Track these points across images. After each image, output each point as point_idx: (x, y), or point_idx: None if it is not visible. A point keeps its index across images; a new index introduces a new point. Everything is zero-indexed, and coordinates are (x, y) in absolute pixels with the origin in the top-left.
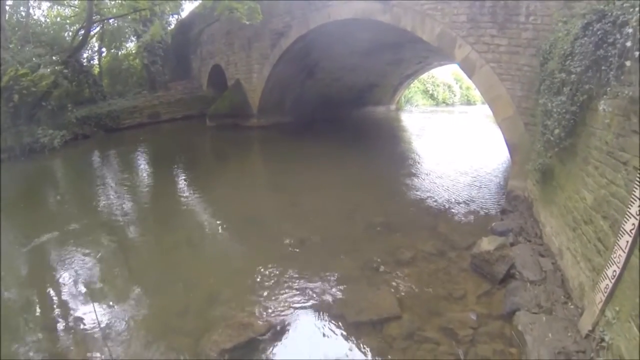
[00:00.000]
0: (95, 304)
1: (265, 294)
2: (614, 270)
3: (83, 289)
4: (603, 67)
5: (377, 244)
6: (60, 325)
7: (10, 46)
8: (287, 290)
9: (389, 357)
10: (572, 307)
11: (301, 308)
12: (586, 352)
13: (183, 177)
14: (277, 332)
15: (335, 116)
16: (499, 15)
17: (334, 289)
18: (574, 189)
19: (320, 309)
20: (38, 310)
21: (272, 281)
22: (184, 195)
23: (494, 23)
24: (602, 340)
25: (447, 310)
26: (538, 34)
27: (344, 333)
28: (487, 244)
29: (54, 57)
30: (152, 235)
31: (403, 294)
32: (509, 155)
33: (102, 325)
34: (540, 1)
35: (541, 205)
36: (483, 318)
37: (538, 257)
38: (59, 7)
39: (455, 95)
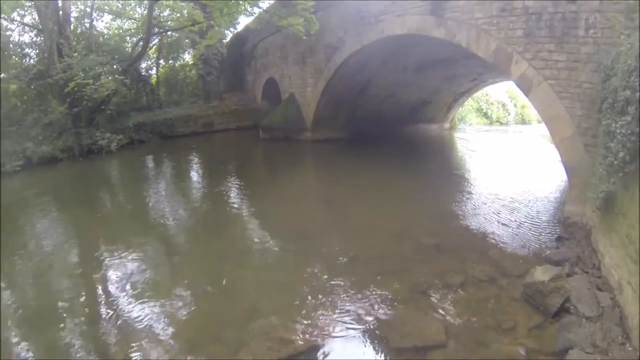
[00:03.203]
0: (139, 305)
1: (308, 310)
2: None
3: (129, 289)
4: None
5: (426, 265)
6: (105, 324)
7: (75, 54)
8: (331, 309)
9: None
10: (630, 348)
11: (344, 328)
12: None
13: (234, 187)
14: (318, 351)
15: (388, 133)
16: (556, 29)
17: (379, 311)
18: (638, 218)
19: (364, 330)
20: (85, 307)
21: (317, 298)
22: (234, 204)
23: (552, 37)
24: None
25: (495, 341)
26: (599, 48)
27: (386, 358)
28: (541, 274)
29: (115, 66)
30: (200, 242)
31: (450, 320)
32: (566, 179)
33: (144, 326)
34: (600, 13)
35: (600, 233)
36: (532, 353)
37: (595, 291)
38: (120, 20)
39: (509, 114)
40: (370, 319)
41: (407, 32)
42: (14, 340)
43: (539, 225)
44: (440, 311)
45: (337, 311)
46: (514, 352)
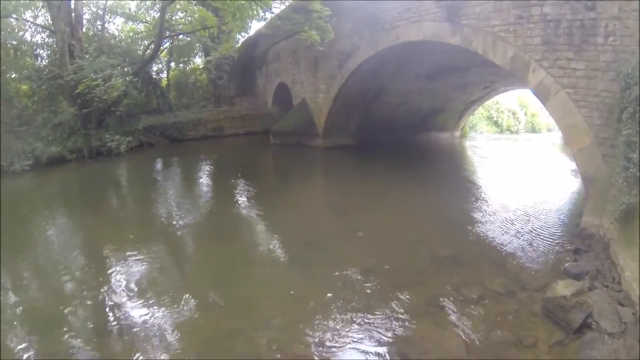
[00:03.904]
0: (146, 313)
1: (323, 325)
2: None
3: (136, 296)
4: None
5: (443, 278)
6: (110, 331)
7: (87, 56)
8: (346, 323)
9: None
10: None
11: (361, 344)
12: None
13: (243, 192)
14: None
15: (399, 141)
16: (575, 36)
17: (397, 325)
18: None
19: (381, 346)
20: (89, 312)
21: (331, 311)
22: (243, 211)
23: (570, 45)
24: None
25: (517, 358)
26: (618, 56)
27: None
28: (563, 289)
29: (125, 68)
30: (208, 250)
31: (470, 336)
32: (583, 189)
33: (150, 335)
34: (619, 20)
35: (619, 246)
36: None
37: (617, 306)
38: (132, 23)
39: (520, 123)
40: (387, 333)
41: (422, 39)
42: (16, 341)
43: (554, 237)
44: (459, 326)
45: (353, 325)
46: None
